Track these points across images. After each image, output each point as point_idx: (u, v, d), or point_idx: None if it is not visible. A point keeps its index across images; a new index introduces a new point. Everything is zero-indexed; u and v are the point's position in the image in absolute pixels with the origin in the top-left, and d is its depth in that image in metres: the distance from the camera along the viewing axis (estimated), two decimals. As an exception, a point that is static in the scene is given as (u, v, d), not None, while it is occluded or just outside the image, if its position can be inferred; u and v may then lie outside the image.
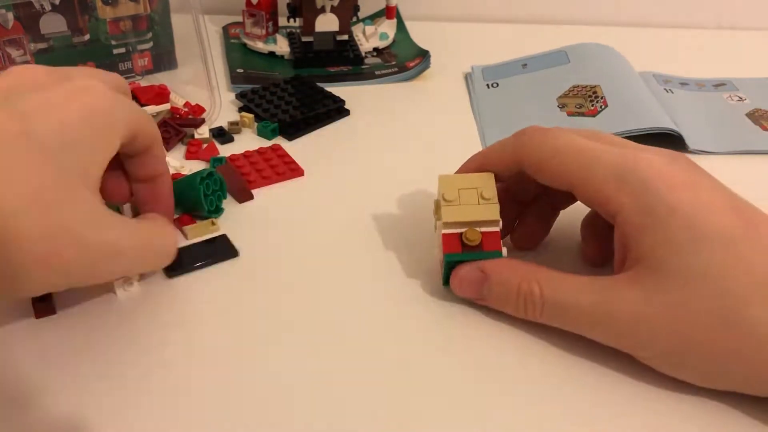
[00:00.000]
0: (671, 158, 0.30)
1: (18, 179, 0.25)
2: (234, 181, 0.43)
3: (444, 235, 0.33)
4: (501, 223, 0.33)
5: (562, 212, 0.38)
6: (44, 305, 0.33)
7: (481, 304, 0.34)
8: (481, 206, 0.33)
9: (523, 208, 0.38)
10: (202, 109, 0.51)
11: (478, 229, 0.33)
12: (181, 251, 0.37)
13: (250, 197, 0.43)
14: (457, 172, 0.37)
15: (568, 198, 0.36)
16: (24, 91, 0.28)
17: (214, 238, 0.39)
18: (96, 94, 0.29)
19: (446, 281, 0.35)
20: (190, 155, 0.47)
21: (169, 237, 0.34)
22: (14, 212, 0.24)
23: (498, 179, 0.35)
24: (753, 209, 0.29)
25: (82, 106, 0.28)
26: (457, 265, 0.33)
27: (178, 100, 0.52)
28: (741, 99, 0.58)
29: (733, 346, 0.27)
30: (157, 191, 0.35)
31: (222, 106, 0.51)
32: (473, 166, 0.36)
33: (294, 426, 0.28)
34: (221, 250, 0.38)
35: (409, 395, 0.30)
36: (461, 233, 0.33)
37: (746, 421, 0.29)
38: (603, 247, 0.36)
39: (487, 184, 0.34)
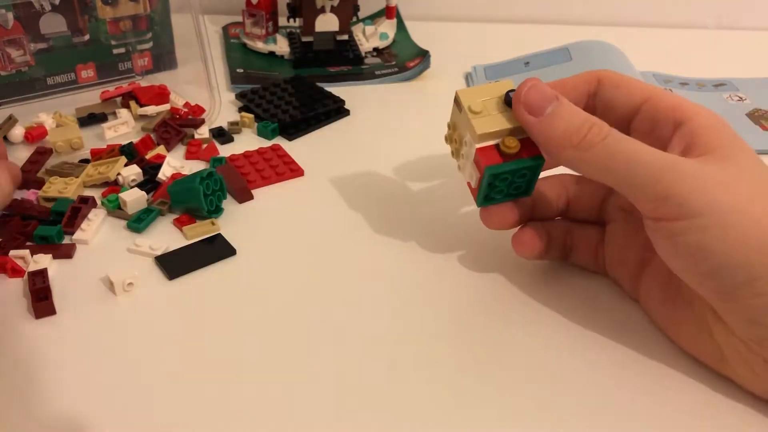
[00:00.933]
0: None
1: None
2: (234, 181, 0.43)
3: (479, 149, 0.32)
4: None
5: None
6: (44, 305, 0.33)
7: (532, 122, 0.31)
8: (509, 112, 0.32)
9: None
10: (201, 110, 0.51)
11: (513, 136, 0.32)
12: (179, 252, 0.37)
13: (250, 197, 0.43)
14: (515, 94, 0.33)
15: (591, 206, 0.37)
16: None
17: (211, 238, 0.39)
18: None
19: (484, 200, 0.33)
20: (189, 155, 0.47)
21: (2, 182, 0.37)
22: None
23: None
24: None
25: None
26: (498, 178, 0.32)
27: (177, 101, 0.52)
28: (741, 99, 0.58)
29: None
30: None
31: (222, 106, 0.51)
32: (548, 86, 0.33)
33: (293, 425, 0.28)
34: (218, 249, 0.38)
35: (409, 395, 0.30)
36: (497, 144, 0.32)
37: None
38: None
39: (508, 87, 0.33)
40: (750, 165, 0.30)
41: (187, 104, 0.51)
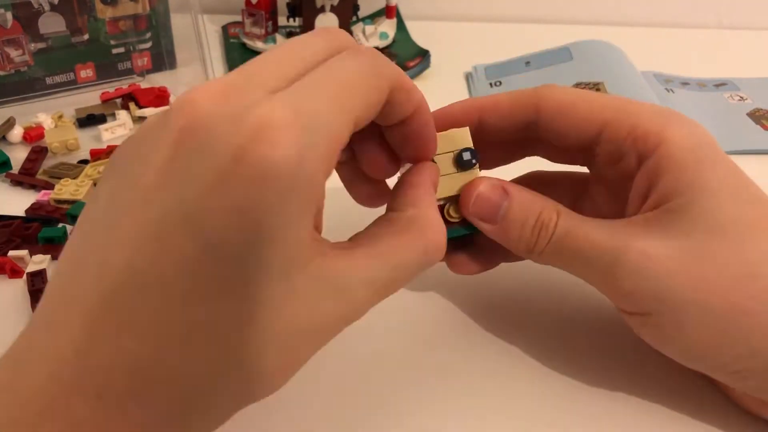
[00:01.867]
0: None
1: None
2: None
3: None
4: None
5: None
6: None
7: (487, 230, 0.29)
8: (459, 174, 0.30)
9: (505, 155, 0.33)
10: None
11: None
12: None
13: None
14: (434, 114, 0.30)
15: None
16: None
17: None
18: (285, 158, 0.19)
19: None
20: None
21: (434, 232, 0.25)
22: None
23: (486, 131, 0.30)
24: None
25: (267, 191, 0.19)
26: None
27: None
28: (742, 99, 0.58)
29: (749, 305, 0.24)
30: (414, 130, 0.26)
31: None
32: (470, 105, 0.31)
33: (293, 425, 0.28)
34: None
35: (409, 395, 0.30)
36: (443, 206, 0.30)
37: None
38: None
39: (464, 142, 0.30)
40: (712, 212, 0.25)
41: None
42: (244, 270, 0.19)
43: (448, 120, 0.30)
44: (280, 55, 0.22)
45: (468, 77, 0.61)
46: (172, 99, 0.52)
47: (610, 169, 0.29)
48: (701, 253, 0.25)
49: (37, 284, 0.34)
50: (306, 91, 0.20)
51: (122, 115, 0.50)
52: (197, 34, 0.48)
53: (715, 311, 0.25)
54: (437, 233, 0.24)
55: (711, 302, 0.25)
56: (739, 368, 0.26)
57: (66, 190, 0.41)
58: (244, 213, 0.18)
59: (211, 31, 0.69)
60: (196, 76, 0.50)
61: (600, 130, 0.28)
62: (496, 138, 0.31)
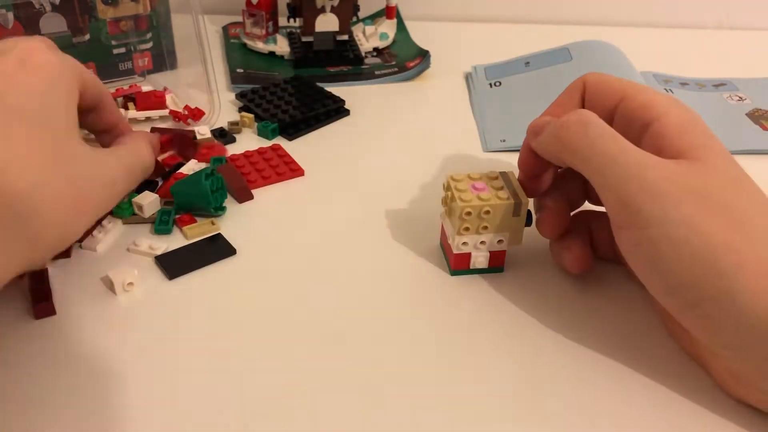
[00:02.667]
0: None
1: (21, 151, 0.27)
2: (234, 180, 0.43)
3: (456, 255, 0.36)
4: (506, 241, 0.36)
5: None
6: (44, 306, 0.33)
7: (533, 145, 0.35)
8: (512, 219, 0.35)
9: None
10: (201, 112, 0.51)
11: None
12: (179, 252, 0.37)
13: (251, 197, 0.43)
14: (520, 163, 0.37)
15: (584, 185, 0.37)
16: None
17: (211, 238, 0.39)
18: (48, 61, 0.31)
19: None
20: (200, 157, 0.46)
21: (145, 154, 0.38)
22: (34, 184, 0.27)
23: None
24: None
25: (44, 75, 0.30)
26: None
27: (177, 104, 0.52)
28: (741, 99, 0.58)
29: (736, 244, 0.27)
30: (117, 133, 0.39)
31: (222, 108, 0.51)
32: (539, 123, 0.35)
33: (293, 425, 0.28)
34: (218, 249, 0.38)
35: (410, 395, 0.30)
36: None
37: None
38: (585, 250, 0.36)
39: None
40: (720, 167, 0.29)
41: (186, 107, 0.51)
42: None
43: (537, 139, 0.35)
44: None
45: (468, 77, 0.62)
46: (171, 100, 0.52)
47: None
48: (710, 184, 0.28)
49: (37, 284, 0.34)
50: None
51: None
52: (198, 37, 0.48)
53: (708, 240, 0.27)
54: (146, 150, 0.38)
55: (706, 231, 0.27)
56: (712, 313, 0.27)
57: None
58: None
59: (211, 31, 0.69)
60: (198, 76, 0.50)
61: (619, 100, 0.34)
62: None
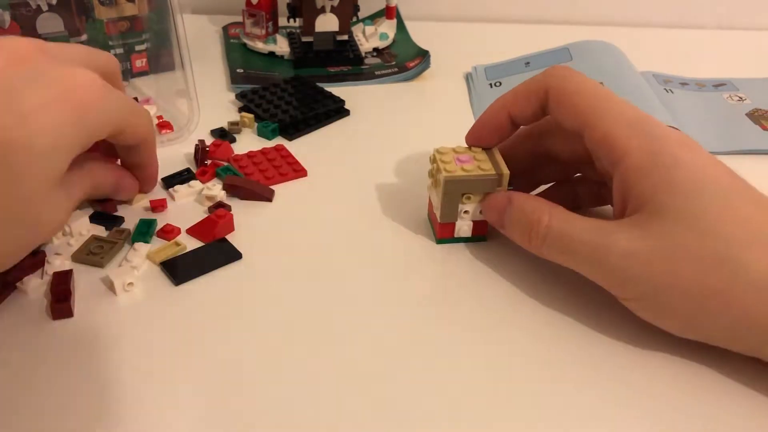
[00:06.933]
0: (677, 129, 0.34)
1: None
2: (252, 186, 0.42)
3: (440, 225, 0.38)
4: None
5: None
6: (62, 307, 0.33)
7: (501, 230, 0.36)
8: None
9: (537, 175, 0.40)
10: (169, 126, 0.48)
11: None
12: (185, 257, 0.37)
13: (272, 195, 0.43)
14: (478, 121, 0.38)
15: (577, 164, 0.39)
16: (23, 78, 0.29)
17: (216, 242, 0.38)
18: (91, 90, 0.31)
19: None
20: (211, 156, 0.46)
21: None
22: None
23: (517, 124, 0.37)
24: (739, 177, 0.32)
25: (77, 106, 0.30)
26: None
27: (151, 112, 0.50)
28: (741, 99, 0.58)
29: (720, 286, 0.28)
30: (144, 176, 0.41)
31: (200, 118, 0.49)
32: (498, 106, 0.37)
33: (300, 426, 0.28)
34: (224, 253, 0.37)
35: (410, 395, 0.30)
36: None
37: (721, 380, 0.30)
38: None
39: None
40: (681, 211, 0.29)
41: (159, 118, 0.49)
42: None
43: (488, 125, 0.37)
44: None
45: (468, 78, 0.62)
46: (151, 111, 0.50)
47: (598, 165, 0.34)
48: (675, 249, 0.29)
49: (60, 284, 0.33)
50: None
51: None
52: (177, 36, 0.46)
53: (693, 293, 0.29)
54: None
55: (688, 287, 0.29)
56: (729, 337, 0.30)
57: None
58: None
59: (211, 31, 0.69)
60: (195, 77, 0.50)
61: (583, 126, 0.33)
62: (527, 124, 0.37)
